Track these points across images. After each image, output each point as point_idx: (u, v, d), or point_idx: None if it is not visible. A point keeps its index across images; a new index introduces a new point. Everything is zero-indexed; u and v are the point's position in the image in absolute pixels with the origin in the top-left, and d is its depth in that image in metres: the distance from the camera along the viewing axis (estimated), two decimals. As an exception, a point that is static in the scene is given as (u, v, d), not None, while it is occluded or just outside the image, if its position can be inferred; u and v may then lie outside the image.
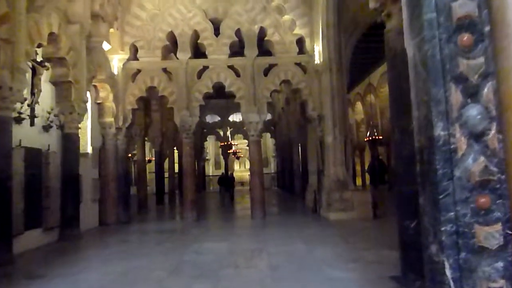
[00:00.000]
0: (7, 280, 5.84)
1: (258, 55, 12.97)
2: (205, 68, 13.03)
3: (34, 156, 8.57)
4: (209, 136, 30.82)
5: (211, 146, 33.75)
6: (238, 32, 13.00)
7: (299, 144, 19.92)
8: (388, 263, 5.79)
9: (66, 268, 6.46)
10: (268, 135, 30.35)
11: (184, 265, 6.43)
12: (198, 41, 13.02)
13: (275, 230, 10.28)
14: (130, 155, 16.25)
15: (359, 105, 27.86)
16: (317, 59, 12.42)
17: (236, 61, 13.07)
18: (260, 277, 5.63)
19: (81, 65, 9.95)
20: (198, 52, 13.37)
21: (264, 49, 13.36)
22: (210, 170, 33.40)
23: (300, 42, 13.06)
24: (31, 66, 8.57)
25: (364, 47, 16.66)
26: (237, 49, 13.27)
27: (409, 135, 3.19)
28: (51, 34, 8.71)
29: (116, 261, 6.93)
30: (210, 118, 30.09)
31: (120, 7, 12.48)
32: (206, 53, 13.02)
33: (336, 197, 11.46)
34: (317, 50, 12.43)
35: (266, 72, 12.98)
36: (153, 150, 19.56)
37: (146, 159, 18.88)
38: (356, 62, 17.91)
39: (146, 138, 17.29)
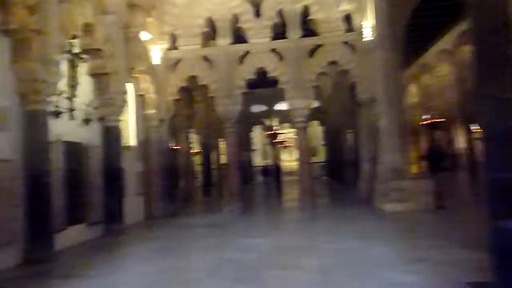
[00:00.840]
0: (40, 279, 5.61)
1: (301, 36, 12.11)
2: (246, 53, 12.39)
3: (74, 150, 8.41)
4: (255, 126, 30.31)
5: (257, 136, 33.26)
6: (279, 13, 12.20)
7: (350, 131, 18.80)
8: (462, 265, 4.87)
9: (102, 267, 6.16)
10: (316, 123, 29.26)
11: (225, 265, 5.87)
12: (238, 25, 12.37)
13: (325, 224, 9.50)
14: (176, 147, 16.05)
15: (412, 88, 26.02)
16: (367, 36, 11.32)
17: (279, 44, 12.29)
18: (309, 280, 4.93)
19: (119, 56, 9.68)
20: (238, 37, 12.73)
21: (308, 29, 12.45)
22: (257, 161, 32.99)
23: (347, 19, 12.02)
24: (68, 58, 8.40)
25: (418, 24, 15.19)
26: (279, 31, 12.47)
27: (503, 105, 2.31)
28: (86, 24, 8.47)
29: (154, 259, 6.55)
30: (256, 108, 29.53)
31: (158, -4, 12.13)
32: (247, 37, 12.36)
33: (393, 187, 10.41)
34: (367, 27, 11.32)
35: (311, 54, 12.09)
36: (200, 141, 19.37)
37: (193, 150, 18.69)
38: (409, 41, 16.48)
39: (190, 130, 17.02)
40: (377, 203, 10.95)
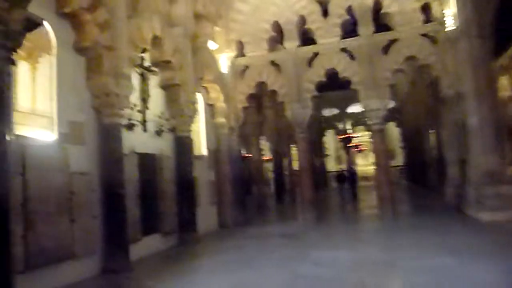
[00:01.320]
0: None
1: (374, 32, 11.31)
2: (315, 55, 11.90)
3: (148, 162, 8.58)
4: (327, 130, 29.46)
5: (330, 140, 32.27)
6: (349, 10, 11.54)
7: (431, 131, 17.28)
8: None
9: (173, 279, 6.06)
10: (393, 124, 27.56)
11: (298, 282, 5.43)
12: (305, 27, 11.94)
13: (409, 235, 8.59)
14: (247, 154, 15.99)
15: (503, 80, 23.31)
16: (450, 25, 10.19)
17: (350, 42, 11.62)
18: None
19: (187, 67, 9.77)
20: (306, 39, 12.28)
21: (381, 24, 11.61)
22: (331, 166, 31.98)
23: (424, 9, 10.97)
24: (139, 72, 8.63)
25: (509, 6, 13.43)
26: (349, 29, 11.80)
27: None
28: (154, 38, 8.64)
29: (224, 273, 6.31)
30: (328, 112, 28.69)
31: (223, 5, 12.14)
32: (315, 38, 11.86)
33: (489, 193, 9.13)
34: (450, 14, 10.19)
35: (385, 51, 11.23)
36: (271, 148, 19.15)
37: (264, 158, 18.52)
38: (498, 27, 14.67)
39: (261, 137, 16.87)
40: (470, 211, 9.71)
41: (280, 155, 18.66)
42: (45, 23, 6.32)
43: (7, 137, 3.80)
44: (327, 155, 30.31)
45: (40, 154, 5.82)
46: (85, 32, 6.85)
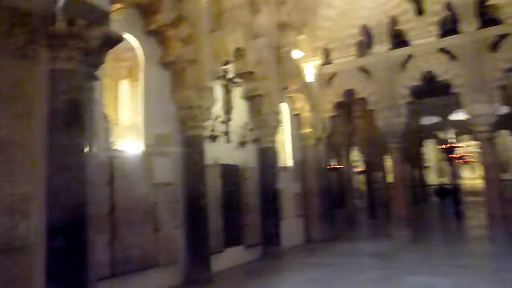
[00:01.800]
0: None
1: (479, 28, 9.98)
2: (409, 57, 10.93)
3: (231, 173, 8.57)
4: (427, 140, 27.05)
5: (431, 151, 29.57)
6: (447, 5, 10.39)
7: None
8: None
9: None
10: (505, 132, 24.22)
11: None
12: (397, 27, 11.06)
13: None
14: (336, 166, 15.31)
15: None
16: None
17: (449, 41, 10.44)
18: None
19: (271, 77, 9.64)
20: (397, 41, 11.37)
21: (486, 18, 10.22)
22: (431, 179, 29.24)
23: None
24: (223, 84, 8.74)
25: None
26: (448, 27, 10.62)
27: None
28: (237, 50, 8.69)
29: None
30: (427, 120, 26.37)
31: (308, 12, 11.85)
32: (408, 39, 10.91)
33: None
34: None
35: (493, 47, 9.83)
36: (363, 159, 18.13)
37: (356, 169, 17.60)
38: None
39: (351, 147, 16.03)
40: None
41: (373, 166, 17.55)
42: (133, 40, 6.73)
43: (85, 149, 3.91)
44: (426, 167, 27.82)
45: (127, 165, 6.10)
46: (169, 47, 7.11)
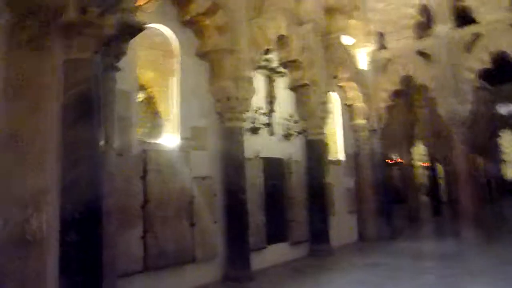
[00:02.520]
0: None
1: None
2: (476, 37, 9.73)
3: (274, 166, 8.21)
4: (503, 130, 24.45)
5: (509, 143, 26.72)
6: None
7: None
8: None
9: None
10: None
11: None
12: (461, 3, 9.89)
13: None
14: (395, 160, 14.28)
15: None
16: None
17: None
18: None
19: (318, 66, 9.10)
20: (462, 19, 10.17)
21: None
22: (510, 173, 26.40)
23: None
24: (265, 74, 8.38)
25: None
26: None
27: None
28: (280, 37, 8.29)
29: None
30: (504, 109, 23.82)
31: (360, -6, 11.07)
32: (474, 17, 9.70)
33: None
34: None
35: None
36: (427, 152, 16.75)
37: (418, 163, 16.33)
38: None
39: (412, 139, 14.81)
40: None
41: (437, 159, 16.16)
42: (168, 31, 6.61)
43: (100, 143, 3.79)
44: (503, 161, 25.20)
45: (162, 159, 6.00)
46: (205, 37, 6.91)
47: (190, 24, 6.81)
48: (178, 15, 6.69)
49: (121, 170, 5.41)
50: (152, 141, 6.15)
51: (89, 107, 3.71)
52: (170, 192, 6.03)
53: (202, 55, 6.96)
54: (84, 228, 3.55)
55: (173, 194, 6.07)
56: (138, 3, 5.86)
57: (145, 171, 5.74)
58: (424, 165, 17.16)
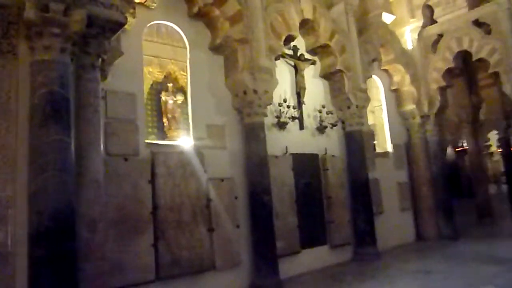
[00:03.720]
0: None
1: None
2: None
3: (307, 163, 7.53)
4: None
5: None
6: None
7: None
8: None
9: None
10: None
11: None
12: (522, -41, 8.41)
13: None
14: (458, 148, 12.70)
15: None
16: None
17: None
18: None
19: (352, 49, 8.22)
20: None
21: None
22: None
23: None
24: (291, 63, 7.74)
25: None
26: None
27: None
28: (304, 22, 7.60)
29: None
30: None
31: (401, -34, 9.91)
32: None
33: None
34: None
35: None
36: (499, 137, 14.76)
37: (489, 150, 14.46)
38: None
39: (477, 124, 13.05)
40: None
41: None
42: (175, 27, 6.26)
43: (70, 146, 3.48)
44: None
45: (172, 161, 5.65)
46: (216, 29, 6.46)
47: (200, 17, 6.40)
48: (185, 8, 6.32)
49: (127, 175, 5.21)
50: (162, 142, 5.83)
51: (56, 109, 3.43)
52: (183, 196, 5.65)
53: (215, 48, 6.52)
54: (52, 242, 3.26)
55: (187, 198, 5.68)
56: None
57: (153, 175, 5.43)
58: (498, 151, 15.17)
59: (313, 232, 7.29)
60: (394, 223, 8.93)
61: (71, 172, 3.47)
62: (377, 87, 9.79)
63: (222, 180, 6.16)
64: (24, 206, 3.34)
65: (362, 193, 7.99)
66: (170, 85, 6.19)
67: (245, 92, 6.41)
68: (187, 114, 6.19)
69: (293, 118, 7.41)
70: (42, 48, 3.49)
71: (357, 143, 8.19)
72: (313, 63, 8.10)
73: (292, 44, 7.67)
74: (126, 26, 5.28)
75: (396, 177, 9.48)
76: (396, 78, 9.85)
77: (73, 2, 3.55)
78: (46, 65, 3.49)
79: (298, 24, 7.37)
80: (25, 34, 3.55)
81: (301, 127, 7.61)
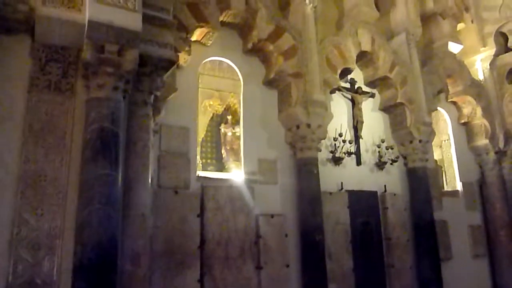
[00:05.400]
0: None
1: None
2: None
3: (364, 201, 7.11)
4: None
5: None
6: None
7: None
8: None
9: None
10: None
11: None
12: None
13: None
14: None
15: None
16: None
17: None
18: None
19: (415, 80, 7.77)
20: None
21: None
22: None
23: None
24: (347, 96, 7.52)
25: None
26: None
27: None
28: (362, 54, 7.40)
29: None
30: None
31: (469, -6, 9.38)
32: None
33: None
34: None
35: None
36: None
37: None
38: None
39: None
40: None
41: None
42: (230, 62, 6.40)
43: (117, 180, 3.57)
44: None
45: (222, 195, 5.63)
46: (270, 64, 6.51)
47: (254, 52, 6.50)
48: (241, 44, 6.46)
49: (177, 208, 5.26)
50: (213, 176, 5.84)
51: (105, 144, 3.56)
52: (231, 231, 5.58)
53: (269, 82, 6.55)
54: (94, 274, 3.30)
55: (235, 233, 5.60)
56: (195, 38, 5.89)
57: (202, 209, 5.43)
58: None
59: (370, 277, 6.76)
60: (465, 271, 8.01)
61: (117, 205, 3.55)
62: (444, 120, 9.13)
63: (272, 217, 6.00)
64: (71, 237, 3.46)
65: (426, 235, 7.32)
66: (229, 117, 6.31)
67: (298, 126, 6.30)
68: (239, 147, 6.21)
69: (350, 153, 7.11)
70: (96, 86, 3.70)
71: (421, 180, 7.61)
72: (372, 96, 7.80)
73: (349, 77, 7.47)
74: (182, 63, 5.57)
75: (467, 219, 8.58)
76: (466, 110, 9.12)
77: (127, 43, 3.73)
78: (99, 102, 3.68)
79: (355, 57, 7.19)
80: (83, 74, 3.80)
81: (358, 162, 7.26)
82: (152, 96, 4.36)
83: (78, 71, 3.81)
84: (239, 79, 6.45)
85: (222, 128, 6.26)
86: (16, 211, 3.33)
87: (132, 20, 3.73)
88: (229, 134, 6.23)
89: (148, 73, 4.23)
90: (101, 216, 3.40)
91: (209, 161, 6.03)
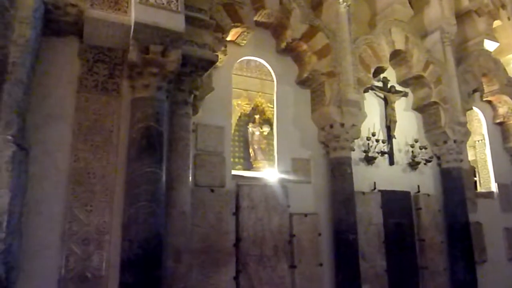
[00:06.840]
0: None
1: None
2: None
3: (397, 201, 7.01)
4: None
5: None
6: None
7: None
8: None
9: None
10: None
11: None
12: None
13: None
14: None
15: None
16: None
17: None
18: None
19: (449, 79, 7.62)
20: None
21: None
22: None
23: None
24: (381, 95, 7.43)
25: None
26: None
27: None
28: (395, 53, 7.30)
29: None
30: None
31: (507, -10, 9.11)
32: None
33: None
34: None
35: None
36: None
37: None
38: None
39: None
40: None
41: None
42: (264, 62, 6.43)
43: (161, 178, 3.66)
44: None
45: (256, 194, 5.67)
46: (304, 63, 6.50)
47: (287, 52, 6.50)
48: (274, 44, 6.48)
49: (213, 206, 5.33)
50: (247, 174, 5.89)
51: (150, 143, 3.65)
52: (265, 230, 5.60)
53: (302, 82, 6.54)
54: (141, 269, 3.40)
55: (269, 232, 5.62)
56: (230, 38, 5.95)
57: (237, 207, 5.48)
58: None
59: (403, 278, 6.68)
60: (500, 275, 7.82)
61: (161, 203, 3.63)
62: (478, 119, 8.91)
63: (306, 216, 6.00)
64: (119, 233, 3.57)
65: (461, 237, 7.17)
66: (257, 116, 6.34)
67: (331, 126, 6.27)
68: (272, 146, 6.23)
69: (382, 152, 7.03)
70: (142, 86, 3.79)
71: (455, 181, 7.45)
72: (405, 95, 7.68)
73: (382, 76, 7.39)
74: (217, 63, 5.62)
75: (503, 221, 8.35)
76: (502, 110, 8.88)
77: (170, 43, 3.81)
78: (144, 102, 3.77)
79: (388, 56, 7.10)
80: (128, 74, 3.90)
81: (391, 162, 7.17)
82: (192, 96, 4.43)
83: (124, 72, 3.92)
84: (270, 79, 6.47)
85: (250, 128, 6.28)
86: (67, 207, 3.46)
87: (175, 21, 3.81)
88: (257, 133, 6.25)
89: (189, 73, 4.30)
90: (147, 213, 3.49)
91: (237, 160, 6.07)
